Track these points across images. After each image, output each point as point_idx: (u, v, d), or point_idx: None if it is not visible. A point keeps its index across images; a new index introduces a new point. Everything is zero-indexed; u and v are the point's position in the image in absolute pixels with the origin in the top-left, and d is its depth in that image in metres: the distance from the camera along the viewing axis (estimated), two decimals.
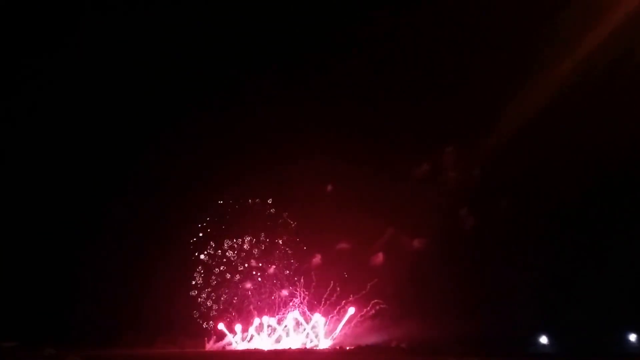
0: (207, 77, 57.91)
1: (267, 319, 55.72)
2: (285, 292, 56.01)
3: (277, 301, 56.04)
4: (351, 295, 53.37)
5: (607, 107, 45.58)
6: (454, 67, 52.40)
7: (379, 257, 54.76)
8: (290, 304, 55.63)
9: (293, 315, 54.91)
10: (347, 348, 51.99)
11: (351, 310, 53.07)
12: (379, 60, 54.53)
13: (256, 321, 55.73)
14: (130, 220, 57.13)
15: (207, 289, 57.27)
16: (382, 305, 52.32)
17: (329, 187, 56.80)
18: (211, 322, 56.59)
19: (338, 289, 53.82)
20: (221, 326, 55.98)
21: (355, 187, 53.83)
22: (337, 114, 56.09)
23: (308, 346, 54.15)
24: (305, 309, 54.89)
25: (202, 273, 57.84)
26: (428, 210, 51.99)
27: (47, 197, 56.93)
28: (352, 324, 53.46)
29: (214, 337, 56.62)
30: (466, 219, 52.67)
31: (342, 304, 53.61)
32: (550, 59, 46.79)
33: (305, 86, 55.32)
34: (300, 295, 55.39)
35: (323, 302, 54.01)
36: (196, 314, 56.87)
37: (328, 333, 54.13)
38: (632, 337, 45.52)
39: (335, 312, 53.79)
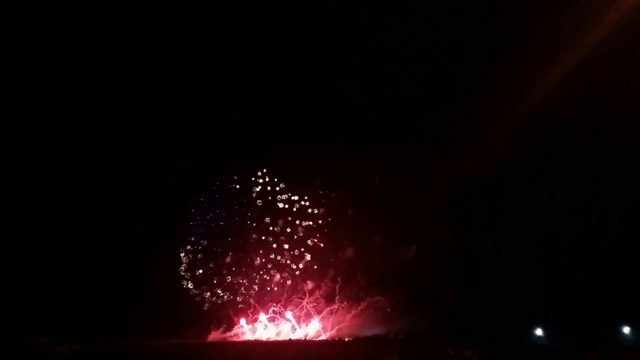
0: None
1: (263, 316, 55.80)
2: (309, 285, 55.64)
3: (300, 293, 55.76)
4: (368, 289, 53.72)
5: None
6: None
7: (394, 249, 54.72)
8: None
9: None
10: (347, 339, 52.59)
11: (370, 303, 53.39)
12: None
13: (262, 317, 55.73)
14: (132, 209, 56.58)
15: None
16: (385, 296, 52.81)
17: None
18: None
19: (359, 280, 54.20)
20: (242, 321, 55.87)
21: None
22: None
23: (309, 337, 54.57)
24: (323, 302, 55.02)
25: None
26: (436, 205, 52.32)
27: (36, 189, 56.16)
28: (356, 316, 53.86)
29: (224, 325, 56.08)
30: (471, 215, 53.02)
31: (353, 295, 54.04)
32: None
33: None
34: (323, 287, 55.20)
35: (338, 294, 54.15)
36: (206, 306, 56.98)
37: (332, 324, 54.54)
38: (626, 330, 46.45)
39: (343, 303, 54.15)
